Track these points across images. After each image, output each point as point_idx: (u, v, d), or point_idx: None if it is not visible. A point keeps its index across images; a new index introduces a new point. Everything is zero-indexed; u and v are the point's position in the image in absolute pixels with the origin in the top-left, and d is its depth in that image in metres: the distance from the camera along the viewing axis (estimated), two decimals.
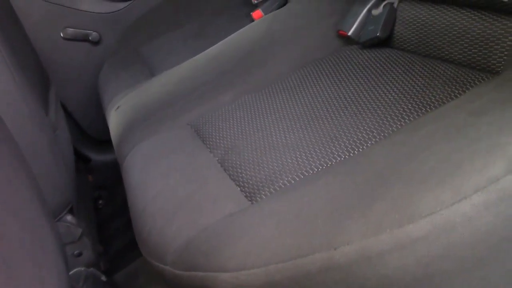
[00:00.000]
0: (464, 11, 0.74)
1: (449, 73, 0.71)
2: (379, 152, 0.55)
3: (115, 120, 1.07)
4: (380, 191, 0.47)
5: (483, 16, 0.71)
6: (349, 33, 0.92)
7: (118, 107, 1.10)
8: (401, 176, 0.47)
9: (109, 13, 1.66)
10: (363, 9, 0.91)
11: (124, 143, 0.94)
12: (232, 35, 1.17)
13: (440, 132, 0.52)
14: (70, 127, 1.39)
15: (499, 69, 0.68)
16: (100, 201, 1.73)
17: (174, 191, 0.70)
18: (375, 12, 0.89)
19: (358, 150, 0.63)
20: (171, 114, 0.95)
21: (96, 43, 1.66)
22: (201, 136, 0.83)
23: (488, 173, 0.43)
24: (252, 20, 1.26)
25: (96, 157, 1.72)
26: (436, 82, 0.70)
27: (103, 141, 1.69)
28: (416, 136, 0.55)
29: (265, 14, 1.24)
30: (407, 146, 0.53)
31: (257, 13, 1.25)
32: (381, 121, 0.67)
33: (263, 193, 0.62)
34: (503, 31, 0.67)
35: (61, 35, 1.61)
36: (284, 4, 1.26)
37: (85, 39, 1.64)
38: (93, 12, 1.64)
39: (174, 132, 0.88)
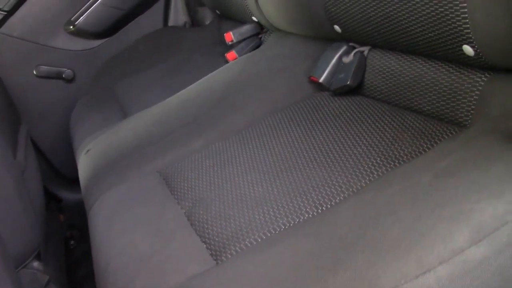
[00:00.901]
0: (432, 63, 0.74)
1: (418, 125, 0.71)
2: (346, 213, 0.54)
3: (84, 165, 1.04)
4: (344, 259, 0.45)
5: (451, 69, 0.71)
6: (321, 80, 0.92)
7: (88, 150, 1.08)
8: (365, 243, 0.46)
9: (84, 50, 1.65)
10: (334, 56, 0.91)
11: (92, 191, 0.91)
12: (206, 77, 1.16)
13: (406, 194, 0.51)
14: (41, 166, 1.36)
15: (467, 123, 0.68)
16: (72, 242, 1.68)
17: (139, 247, 0.68)
18: (345, 59, 0.89)
19: (326, 206, 0.62)
20: (141, 160, 0.93)
21: (70, 80, 1.64)
22: (169, 186, 0.81)
23: (452, 244, 0.42)
24: (227, 61, 1.26)
25: (68, 196, 1.68)
26: (405, 135, 0.70)
27: (76, 179, 1.66)
28: (382, 196, 0.54)
29: (239, 55, 1.24)
30: (374, 207, 0.52)
31: (231, 54, 1.25)
32: (349, 176, 0.66)
33: (229, 252, 0.60)
34: (469, 85, 0.67)
35: (34, 72, 1.59)
36: (258, 46, 1.26)
37: (58, 76, 1.63)
38: (68, 50, 1.63)
39: (143, 180, 0.86)
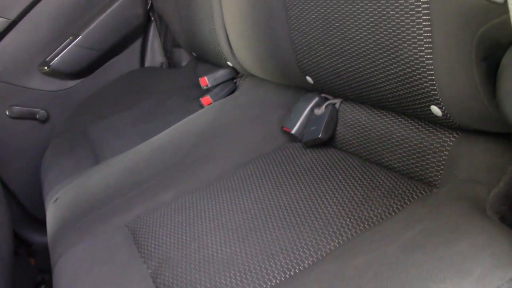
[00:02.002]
0: (402, 119, 0.74)
1: (388, 183, 0.70)
2: (312, 285, 0.52)
3: (52, 214, 1.01)
4: None
5: (420, 127, 0.71)
6: (293, 132, 0.91)
7: (56, 199, 1.05)
8: None
9: (58, 91, 1.63)
10: (306, 107, 0.91)
11: (57, 245, 0.88)
12: (179, 123, 1.15)
13: (372, 267, 0.49)
14: (11, 208, 1.32)
15: (437, 183, 0.67)
16: (43, 286, 1.63)
17: None
18: (317, 111, 0.89)
19: (294, 271, 0.61)
20: (109, 213, 0.90)
21: (43, 121, 1.62)
22: (137, 242, 0.78)
23: None
24: (201, 106, 1.25)
25: (39, 239, 1.64)
26: (375, 194, 0.69)
27: None
28: (349, 268, 0.52)
29: (214, 100, 1.23)
30: (340, 279, 0.51)
31: (205, 99, 1.24)
32: (318, 238, 0.64)
33: None
34: (438, 145, 0.67)
35: (7, 113, 1.56)
36: (233, 91, 1.26)
37: (32, 117, 1.60)
38: (42, 90, 1.61)
39: (110, 235, 0.83)
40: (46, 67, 1.58)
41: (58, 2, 1.57)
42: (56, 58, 1.58)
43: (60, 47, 1.58)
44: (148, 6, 1.70)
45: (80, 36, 1.59)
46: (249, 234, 0.70)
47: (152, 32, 1.76)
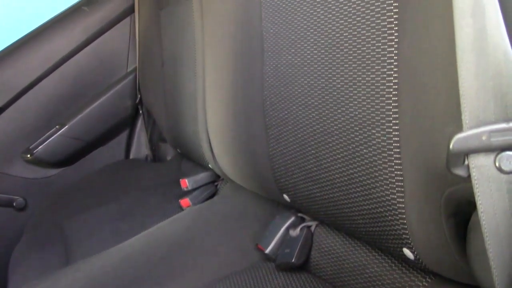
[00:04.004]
0: (376, 254, 0.72)
1: None
2: None
3: None
4: None
5: (393, 265, 0.69)
6: (267, 251, 0.88)
7: None
8: None
9: (39, 178, 1.61)
10: (282, 227, 0.89)
11: None
12: (154, 228, 1.12)
13: None
14: None
15: None
16: None
17: None
18: (292, 233, 0.87)
19: None
20: None
21: (20, 209, 1.58)
22: None
23: None
24: (180, 207, 1.23)
25: None
26: None
27: None
28: None
29: (193, 203, 1.21)
30: None
31: (185, 201, 1.23)
32: None
33: None
34: None
35: None
36: (213, 195, 1.24)
37: (9, 204, 1.57)
38: (22, 177, 1.58)
39: None
40: (29, 155, 1.56)
41: (48, 92, 1.58)
42: (40, 147, 1.57)
43: (45, 135, 1.58)
44: (137, 100, 1.72)
45: (67, 126, 1.60)
46: None
47: (140, 125, 1.77)
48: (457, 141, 0.41)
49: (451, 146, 0.42)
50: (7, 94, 1.53)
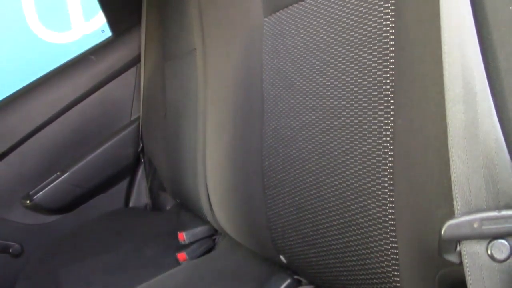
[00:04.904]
0: None
1: None
2: None
3: None
4: None
5: None
6: None
7: None
8: None
9: (37, 225, 1.60)
10: None
11: None
12: (148, 283, 1.10)
13: None
14: None
15: None
16: None
17: None
18: None
19: None
20: None
21: (16, 255, 1.57)
22: None
23: None
24: (177, 260, 1.22)
25: None
26: None
27: None
28: None
29: (190, 258, 1.20)
30: None
31: (181, 255, 1.21)
32: None
33: None
34: None
35: None
36: (211, 249, 1.23)
37: (5, 250, 1.55)
38: (20, 223, 1.58)
39: None
40: (28, 201, 1.56)
41: (51, 138, 1.60)
42: (40, 193, 1.57)
43: (45, 182, 1.58)
44: (139, 148, 1.73)
45: (68, 173, 1.60)
46: None
47: (140, 173, 1.77)
48: (449, 227, 0.41)
49: (442, 232, 0.42)
50: (9, 139, 1.54)
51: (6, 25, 2.50)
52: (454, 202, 0.40)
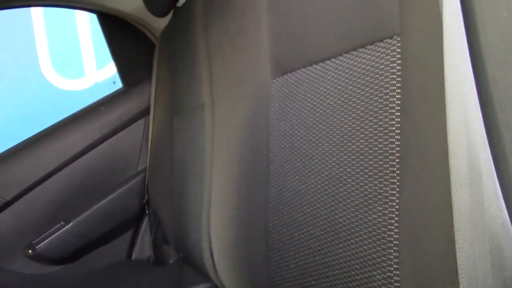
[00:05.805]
0: None
1: None
2: None
3: None
4: None
5: None
6: None
7: None
8: None
9: (37, 275, 1.58)
10: None
11: None
12: None
13: None
14: None
15: None
16: None
17: None
18: None
19: None
20: None
21: None
22: None
23: None
24: None
25: None
26: None
27: None
28: None
29: None
30: None
31: None
32: None
33: None
34: None
35: None
36: None
37: None
38: (20, 273, 1.55)
39: None
40: (30, 251, 1.54)
41: (57, 187, 1.60)
42: (43, 243, 1.55)
43: (49, 231, 1.57)
44: (145, 200, 1.72)
45: (72, 223, 1.59)
46: None
47: (145, 225, 1.76)
48: None
49: None
50: (16, 187, 1.54)
51: (21, 72, 2.56)
52: (461, 286, 0.39)
